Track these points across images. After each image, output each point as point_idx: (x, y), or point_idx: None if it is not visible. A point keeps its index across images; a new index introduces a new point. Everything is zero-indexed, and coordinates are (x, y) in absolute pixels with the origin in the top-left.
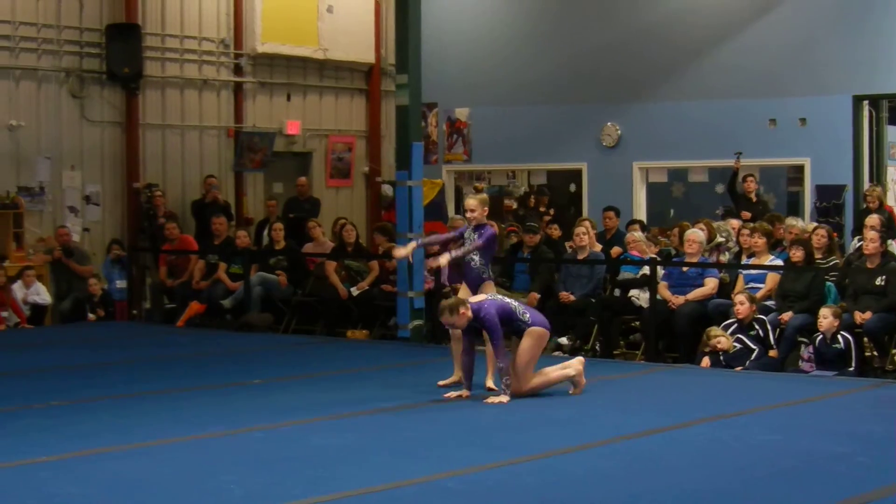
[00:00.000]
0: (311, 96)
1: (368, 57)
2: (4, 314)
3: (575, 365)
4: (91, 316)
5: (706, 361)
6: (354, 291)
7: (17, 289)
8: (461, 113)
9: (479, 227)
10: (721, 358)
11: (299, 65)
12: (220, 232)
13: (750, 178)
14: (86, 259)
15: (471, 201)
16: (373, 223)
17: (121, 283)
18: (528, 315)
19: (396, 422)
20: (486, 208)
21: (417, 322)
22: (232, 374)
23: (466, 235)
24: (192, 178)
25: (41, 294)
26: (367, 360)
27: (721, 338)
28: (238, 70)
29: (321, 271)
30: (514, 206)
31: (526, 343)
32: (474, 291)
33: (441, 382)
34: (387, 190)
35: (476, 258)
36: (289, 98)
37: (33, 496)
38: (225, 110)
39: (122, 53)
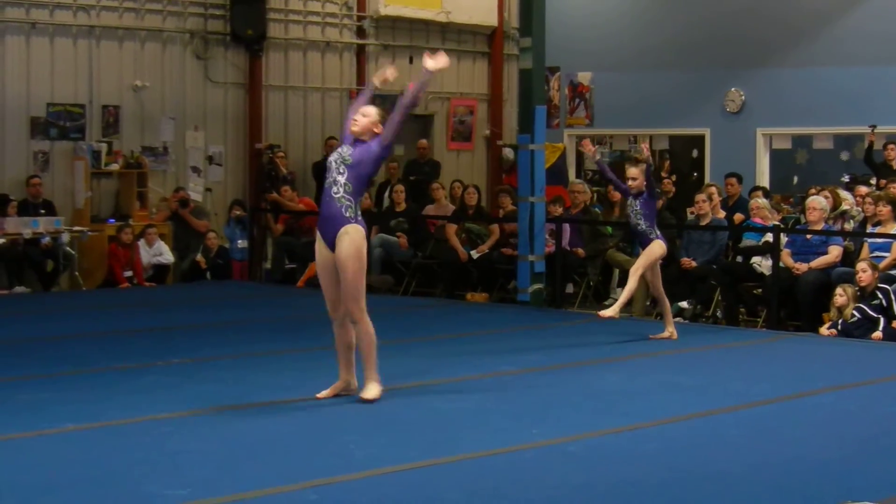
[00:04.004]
0: None
1: (491, 20)
2: (129, 273)
3: None
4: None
5: (826, 330)
6: (475, 254)
7: (142, 248)
8: (583, 77)
9: (639, 195)
10: (839, 326)
11: (422, 27)
12: None
13: (891, 146)
14: (203, 214)
15: (633, 170)
16: (493, 186)
17: (242, 244)
18: None
19: (516, 385)
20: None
21: (537, 286)
22: None
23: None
24: (314, 140)
25: (164, 253)
26: (487, 324)
27: (843, 296)
28: (361, 32)
29: (442, 234)
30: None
31: None
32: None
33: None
34: (508, 153)
35: (641, 222)
36: (411, 61)
37: (157, 452)
38: (347, 72)
39: (245, 15)
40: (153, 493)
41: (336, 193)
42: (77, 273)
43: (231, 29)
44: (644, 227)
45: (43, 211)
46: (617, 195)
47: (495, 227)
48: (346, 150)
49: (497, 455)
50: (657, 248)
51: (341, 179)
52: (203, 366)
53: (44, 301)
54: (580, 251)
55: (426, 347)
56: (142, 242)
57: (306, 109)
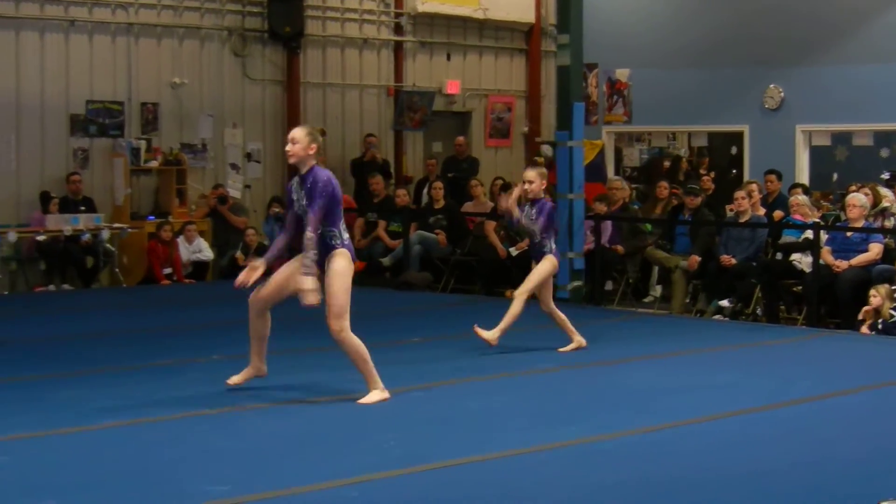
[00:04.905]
0: (470, 56)
1: (528, 16)
2: (168, 270)
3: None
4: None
5: (866, 329)
6: (513, 251)
7: (182, 245)
8: (621, 74)
9: (536, 202)
10: (879, 325)
11: (459, 24)
12: (379, 191)
13: None
14: (242, 211)
15: (530, 173)
16: None
17: None
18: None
19: (552, 383)
20: (544, 182)
21: (577, 283)
22: (390, 333)
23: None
24: (352, 137)
25: (203, 250)
26: (526, 321)
27: (877, 296)
28: (398, 29)
29: (480, 231)
30: (668, 164)
31: None
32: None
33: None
34: (546, 150)
35: (537, 232)
36: (449, 57)
37: (197, 448)
38: (385, 69)
39: (283, 12)
40: (193, 489)
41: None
42: (117, 270)
43: (269, 26)
44: (539, 238)
45: (83, 208)
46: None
47: None
48: (301, 196)
49: (532, 453)
50: (549, 264)
51: (313, 219)
52: (242, 363)
53: (84, 298)
54: (619, 248)
55: (464, 344)
56: (181, 239)
57: (344, 106)
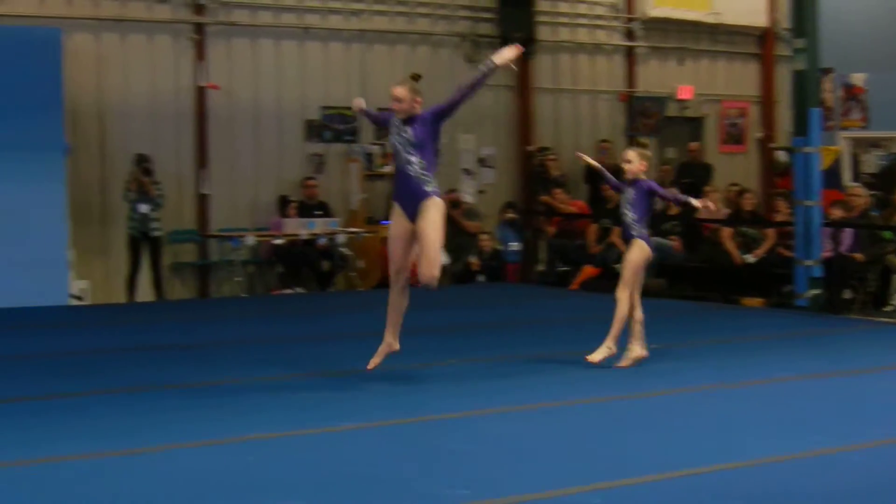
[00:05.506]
0: (703, 61)
1: (761, 21)
2: None
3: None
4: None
5: None
6: (750, 258)
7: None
8: (857, 78)
9: (635, 182)
10: None
11: (691, 29)
12: (613, 197)
13: None
14: (475, 216)
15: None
16: (766, 190)
17: (514, 246)
18: None
19: (791, 392)
20: (644, 163)
21: (815, 291)
22: (625, 339)
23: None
24: (585, 143)
25: None
26: (763, 329)
27: None
28: (630, 34)
29: (716, 237)
30: None
31: None
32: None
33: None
34: (781, 156)
35: (629, 213)
36: (681, 63)
37: (436, 451)
38: (617, 75)
39: (514, 18)
40: (434, 492)
41: (413, 173)
42: (353, 274)
43: (500, 32)
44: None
45: (319, 212)
46: None
47: (770, 231)
48: (407, 133)
49: (778, 462)
50: (639, 251)
51: (414, 160)
52: (479, 366)
53: (320, 301)
54: (858, 256)
55: (702, 352)
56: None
57: (576, 112)
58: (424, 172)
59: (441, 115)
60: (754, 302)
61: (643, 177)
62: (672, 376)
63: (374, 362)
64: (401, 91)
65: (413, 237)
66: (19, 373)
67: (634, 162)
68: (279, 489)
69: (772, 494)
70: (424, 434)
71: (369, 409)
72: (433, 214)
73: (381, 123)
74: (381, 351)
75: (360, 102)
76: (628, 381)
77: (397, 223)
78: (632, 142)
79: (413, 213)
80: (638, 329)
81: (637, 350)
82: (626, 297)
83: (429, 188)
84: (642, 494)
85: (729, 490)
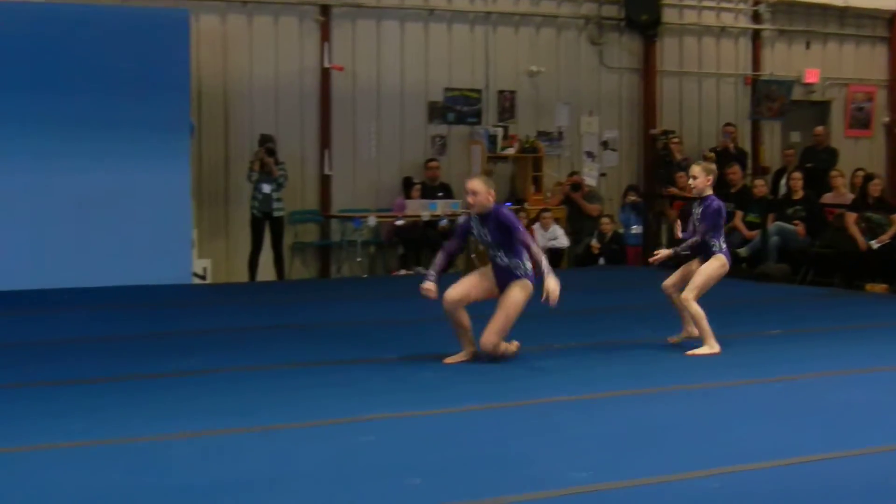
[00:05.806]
0: (830, 44)
1: (890, 3)
2: None
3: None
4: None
5: None
6: (875, 244)
7: (538, 231)
8: None
9: (703, 200)
10: None
11: (819, 12)
12: (735, 181)
13: None
14: (596, 199)
15: (695, 168)
16: (892, 175)
17: (636, 229)
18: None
19: None
20: (710, 177)
21: None
22: (748, 324)
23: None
24: (708, 126)
25: (559, 237)
26: (887, 315)
27: None
28: (756, 17)
29: (840, 223)
30: None
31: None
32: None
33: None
34: None
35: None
36: (808, 46)
37: (555, 433)
38: (742, 58)
39: (640, 1)
40: (554, 475)
41: (502, 264)
42: (473, 256)
43: (626, 14)
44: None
45: (441, 194)
46: None
47: None
48: (486, 234)
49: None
50: (717, 263)
51: (500, 254)
52: (597, 350)
53: (440, 282)
54: None
55: (822, 338)
56: (537, 226)
57: (701, 95)
58: (514, 261)
59: (508, 232)
60: (878, 288)
61: (710, 191)
62: (796, 363)
63: (454, 359)
64: (477, 184)
65: (488, 296)
66: (145, 350)
67: (700, 177)
68: (399, 469)
69: (894, 482)
70: (544, 416)
71: (488, 391)
72: (518, 294)
73: (463, 235)
74: (460, 357)
75: (430, 287)
76: (748, 366)
77: (487, 273)
78: (755, 125)
79: (502, 286)
80: (682, 310)
81: (690, 329)
82: (693, 299)
83: (519, 272)
84: (760, 480)
85: (848, 477)
